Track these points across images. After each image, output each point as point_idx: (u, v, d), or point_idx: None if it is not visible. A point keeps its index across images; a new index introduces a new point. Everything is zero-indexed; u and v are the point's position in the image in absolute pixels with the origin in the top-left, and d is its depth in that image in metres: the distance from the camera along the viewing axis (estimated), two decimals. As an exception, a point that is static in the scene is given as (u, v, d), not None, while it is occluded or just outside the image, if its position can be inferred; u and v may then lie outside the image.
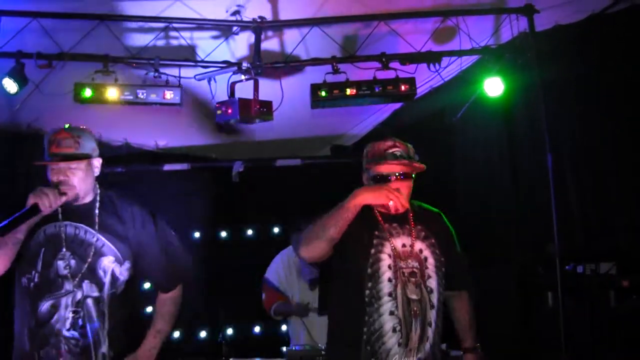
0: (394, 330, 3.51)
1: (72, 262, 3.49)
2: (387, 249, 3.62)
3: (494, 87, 5.84)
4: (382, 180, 3.63)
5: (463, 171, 7.04)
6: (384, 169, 3.66)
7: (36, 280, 3.46)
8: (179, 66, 5.89)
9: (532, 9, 5.66)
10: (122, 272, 3.61)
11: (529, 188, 6.08)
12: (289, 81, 6.17)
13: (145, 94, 5.72)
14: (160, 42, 5.87)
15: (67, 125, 3.65)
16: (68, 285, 3.47)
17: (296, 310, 6.05)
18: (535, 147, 5.78)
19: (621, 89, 5.36)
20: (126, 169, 7.76)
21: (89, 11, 5.47)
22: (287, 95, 5.92)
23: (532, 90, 5.69)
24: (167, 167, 7.89)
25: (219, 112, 5.82)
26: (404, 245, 3.65)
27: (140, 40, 5.80)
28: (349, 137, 9.11)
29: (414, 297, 3.55)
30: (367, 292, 3.57)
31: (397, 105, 7.63)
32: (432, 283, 3.62)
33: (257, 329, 8.68)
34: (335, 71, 5.87)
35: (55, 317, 3.44)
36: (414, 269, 3.60)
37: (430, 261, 3.66)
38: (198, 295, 8.64)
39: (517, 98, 6.08)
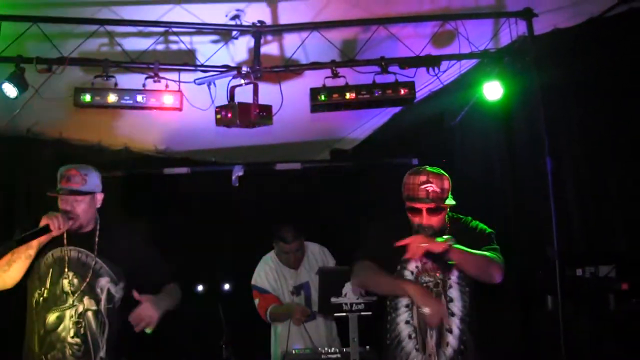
0: (410, 337, 4.03)
1: (75, 280, 4.18)
2: (412, 265, 4.10)
3: (493, 91, 5.84)
4: (415, 212, 4.03)
5: (462, 175, 7.04)
6: (415, 205, 4.01)
7: (45, 295, 4.14)
8: (179, 70, 5.88)
9: (531, 13, 5.67)
10: (117, 291, 4.30)
11: (528, 191, 6.09)
12: (288, 85, 6.17)
13: (145, 99, 5.71)
14: (160, 47, 5.87)
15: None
16: (71, 300, 4.16)
17: (293, 312, 6.00)
18: (534, 151, 5.78)
19: (620, 93, 5.37)
20: (126, 173, 7.77)
21: (89, 16, 5.49)
22: (286, 99, 5.92)
23: (531, 94, 5.69)
24: (167, 171, 7.90)
25: (218, 116, 5.83)
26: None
27: (140, 44, 5.79)
28: (349, 141, 9.12)
29: None
30: (388, 303, 4.18)
31: (397, 109, 7.65)
32: (453, 293, 4.04)
33: (258, 331, 8.66)
34: (335, 75, 5.86)
35: (61, 326, 4.12)
36: (438, 280, 4.04)
37: (454, 272, 4.05)
38: (200, 299, 8.68)
39: (516, 102, 6.08)
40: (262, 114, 5.80)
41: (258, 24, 5.67)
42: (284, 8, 5.65)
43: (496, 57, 5.96)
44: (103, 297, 4.23)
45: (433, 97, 7.03)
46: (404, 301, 4.07)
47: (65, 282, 4.15)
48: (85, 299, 4.17)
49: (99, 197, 4.34)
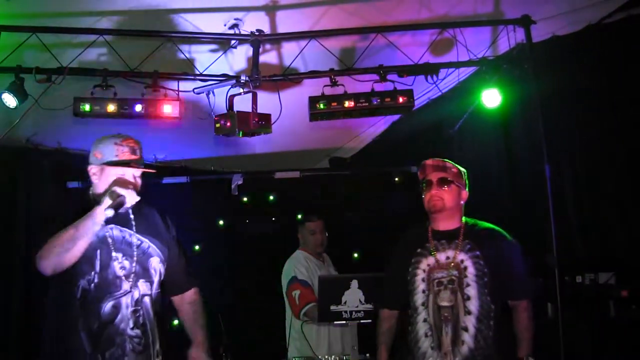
0: (426, 335, 4.01)
1: (126, 263, 3.63)
2: (424, 264, 4.12)
3: (491, 98, 5.85)
4: (428, 185, 4.18)
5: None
6: (427, 175, 4.21)
7: (96, 281, 3.54)
8: (178, 80, 5.91)
9: (529, 20, 5.69)
10: (163, 273, 3.82)
11: (527, 198, 6.08)
12: (287, 94, 6.18)
13: (144, 108, 5.72)
14: (159, 56, 5.88)
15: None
16: (126, 285, 3.60)
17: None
18: (533, 158, 5.78)
19: (619, 99, 5.37)
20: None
21: (88, 26, 5.49)
22: (285, 108, 5.93)
23: (530, 101, 5.70)
24: (167, 180, 7.90)
25: (217, 125, 5.83)
26: (447, 258, 4.07)
27: (139, 54, 5.81)
28: (348, 150, 9.13)
29: (445, 304, 3.99)
30: (411, 304, 4.13)
31: (395, 117, 7.66)
32: (471, 291, 3.97)
33: (258, 340, 8.66)
34: (333, 84, 5.88)
35: (119, 317, 3.55)
36: (453, 277, 4.01)
37: (471, 270, 4.00)
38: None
39: (515, 109, 6.09)
40: (261, 123, 5.81)
41: (257, 33, 5.68)
42: (283, 17, 5.66)
43: (494, 64, 5.97)
44: (156, 280, 3.75)
45: (432, 105, 7.04)
46: (420, 300, 4.07)
47: (116, 264, 3.59)
48: (140, 283, 3.66)
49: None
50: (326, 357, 5.54)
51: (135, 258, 3.67)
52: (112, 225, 3.65)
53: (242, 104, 5.86)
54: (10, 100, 5.50)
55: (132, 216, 3.77)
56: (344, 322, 5.44)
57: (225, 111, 5.88)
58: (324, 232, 6.37)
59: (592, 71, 5.55)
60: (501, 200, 6.41)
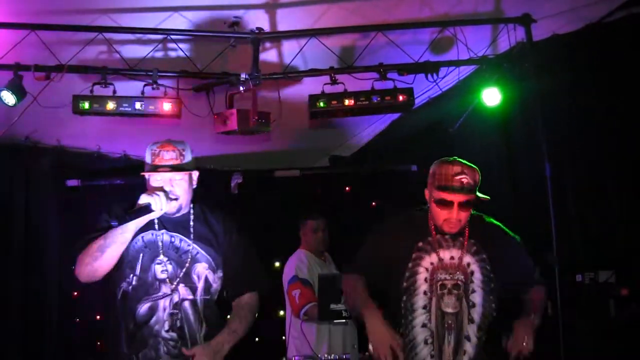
0: (426, 342, 3.69)
1: (169, 266, 3.63)
2: (426, 261, 3.76)
3: (491, 97, 5.84)
4: (445, 205, 3.68)
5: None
6: (448, 196, 3.68)
7: (134, 283, 3.59)
8: (177, 78, 5.89)
9: (529, 19, 5.68)
10: (215, 280, 3.74)
11: (527, 197, 6.08)
12: (287, 92, 6.17)
13: (143, 106, 5.70)
14: (159, 54, 5.87)
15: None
16: (165, 289, 3.60)
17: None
18: (533, 157, 5.78)
19: (619, 98, 5.37)
20: (125, 180, 7.75)
21: (87, 23, 5.48)
22: (285, 106, 5.92)
23: (530, 99, 5.70)
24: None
25: (217, 123, 5.83)
26: (452, 258, 3.76)
27: (139, 52, 5.80)
28: (348, 148, 9.12)
29: (449, 310, 3.70)
30: (402, 304, 3.76)
31: (396, 116, 7.65)
32: (476, 298, 3.73)
33: (255, 339, 8.65)
34: (333, 82, 5.87)
35: (154, 318, 3.57)
36: (459, 282, 3.72)
37: (477, 276, 3.76)
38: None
39: (515, 107, 6.08)
40: (261, 121, 5.81)
41: (256, 31, 5.67)
42: (283, 15, 5.65)
43: (495, 63, 5.97)
44: (200, 285, 3.67)
45: (432, 103, 7.03)
46: (420, 302, 3.72)
47: (158, 267, 3.60)
48: (181, 288, 3.61)
49: (195, 175, 3.85)
50: (326, 356, 5.53)
51: (179, 263, 3.65)
52: (164, 230, 3.69)
53: (242, 102, 5.86)
54: (9, 98, 5.48)
55: (192, 223, 3.78)
56: (344, 320, 5.44)
57: (225, 109, 5.87)
58: (326, 230, 6.36)
59: (592, 70, 5.55)
60: (501, 199, 6.40)
